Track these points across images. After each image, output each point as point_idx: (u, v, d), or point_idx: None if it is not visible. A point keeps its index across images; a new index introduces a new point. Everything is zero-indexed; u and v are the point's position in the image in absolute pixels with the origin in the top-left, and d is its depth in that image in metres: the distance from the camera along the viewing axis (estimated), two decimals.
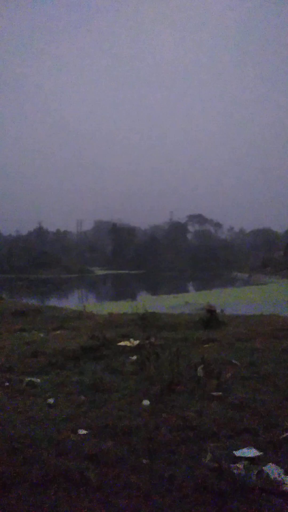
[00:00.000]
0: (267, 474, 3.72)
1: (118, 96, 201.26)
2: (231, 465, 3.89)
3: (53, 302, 32.63)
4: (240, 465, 3.88)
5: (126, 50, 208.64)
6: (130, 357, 8.44)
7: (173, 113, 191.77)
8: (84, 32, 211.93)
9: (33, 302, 29.15)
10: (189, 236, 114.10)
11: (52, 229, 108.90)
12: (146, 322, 12.88)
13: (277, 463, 3.90)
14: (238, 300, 30.88)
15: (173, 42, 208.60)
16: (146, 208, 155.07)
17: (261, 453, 4.13)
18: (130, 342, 9.74)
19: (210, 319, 12.44)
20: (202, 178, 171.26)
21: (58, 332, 12.57)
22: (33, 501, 3.42)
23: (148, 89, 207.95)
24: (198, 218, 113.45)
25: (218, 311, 13.70)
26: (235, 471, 3.78)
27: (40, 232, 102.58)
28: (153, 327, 12.16)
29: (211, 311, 12.80)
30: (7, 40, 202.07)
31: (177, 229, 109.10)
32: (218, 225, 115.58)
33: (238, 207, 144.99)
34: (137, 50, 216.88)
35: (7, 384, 6.78)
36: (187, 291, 47.46)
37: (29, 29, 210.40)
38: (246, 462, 3.95)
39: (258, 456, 4.07)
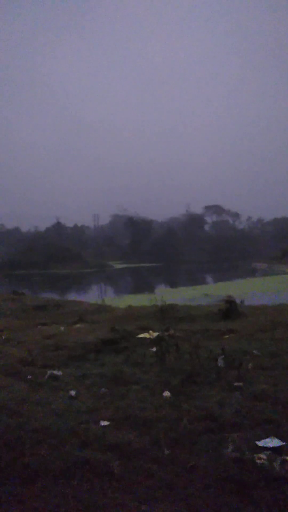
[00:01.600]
0: None
1: (129, 91, 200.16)
2: (254, 455, 3.87)
3: (72, 296, 32.99)
4: (263, 455, 3.85)
5: (136, 50, 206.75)
6: (150, 349, 8.46)
7: (188, 106, 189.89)
8: (93, 34, 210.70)
9: (53, 296, 29.49)
10: (206, 227, 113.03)
11: (69, 224, 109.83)
12: (165, 314, 12.88)
13: None
14: (257, 290, 30.51)
15: (181, 37, 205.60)
16: (163, 201, 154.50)
17: (284, 443, 4.09)
18: (149, 334, 9.76)
19: (230, 310, 12.35)
20: (219, 168, 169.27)
21: (78, 325, 12.69)
22: (57, 492, 3.48)
23: (161, 85, 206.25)
24: (215, 209, 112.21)
25: (237, 302, 13.57)
26: (258, 461, 3.75)
27: (58, 228, 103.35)
28: (172, 319, 12.16)
29: (230, 302, 12.70)
30: (15, 41, 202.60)
31: (194, 220, 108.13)
32: (236, 215, 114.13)
33: (256, 197, 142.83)
34: (147, 48, 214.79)
35: (29, 377, 6.89)
36: (205, 282, 47.18)
37: (41, 29, 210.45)
38: (269, 452, 3.91)
39: (281, 446, 4.03)
